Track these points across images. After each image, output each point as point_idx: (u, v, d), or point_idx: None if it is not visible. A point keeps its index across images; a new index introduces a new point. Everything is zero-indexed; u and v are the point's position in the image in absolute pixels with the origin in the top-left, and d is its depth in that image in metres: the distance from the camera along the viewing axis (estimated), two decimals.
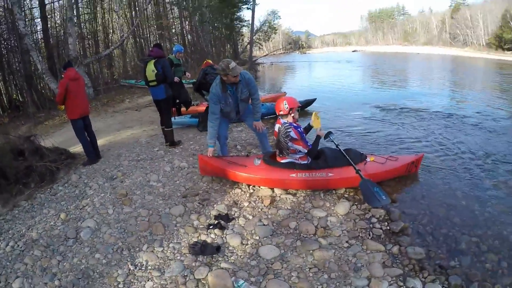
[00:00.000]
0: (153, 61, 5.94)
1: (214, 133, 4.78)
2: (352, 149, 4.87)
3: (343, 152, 4.55)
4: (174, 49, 8.52)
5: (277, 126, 4.52)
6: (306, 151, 4.42)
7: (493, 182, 4.93)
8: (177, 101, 8.05)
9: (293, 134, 4.29)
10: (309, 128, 4.77)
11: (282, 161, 4.54)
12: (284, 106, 4.36)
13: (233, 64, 4.45)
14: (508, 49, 48.91)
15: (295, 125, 4.37)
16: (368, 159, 4.70)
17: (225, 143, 5.34)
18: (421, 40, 79.15)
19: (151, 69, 5.94)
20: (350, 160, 4.41)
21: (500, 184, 4.86)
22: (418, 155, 5.08)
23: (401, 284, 2.89)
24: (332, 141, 4.81)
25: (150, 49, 6.50)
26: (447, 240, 3.61)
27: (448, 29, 70.29)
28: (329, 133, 4.93)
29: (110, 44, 20.36)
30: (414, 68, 27.88)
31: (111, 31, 22.31)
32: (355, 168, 4.33)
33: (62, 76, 5.75)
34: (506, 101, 11.68)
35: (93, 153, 6.08)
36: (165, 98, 6.16)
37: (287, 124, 4.35)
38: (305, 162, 4.46)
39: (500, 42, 51.60)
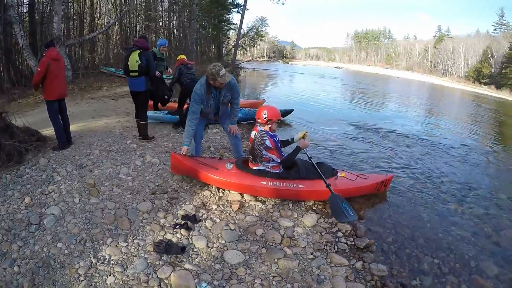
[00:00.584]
0: (138, 51, 5.85)
1: (192, 132, 4.75)
2: (325, 163, 4.98)
3: (315, 165, 4.59)
4: (158, 42, 8.40)
5: (253, 133, 4.53)
6: (279, 160, 4.44)
7: (459, 207, 5.14)
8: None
9: (268, 142, 4.31)
10: (290, 142, 4.83)
11: (255, 168, 4.54)
12: (263, 115, 4.37)
13: (223, 71, 4.45)
14: (485, 83, 51.15)
15: (271, 134, 4.39)
16: (339, 175, 4.79)
17: (200, 142, 5.32)
18: (402, 64, 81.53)
19: (134, 59, 5.84)
20: (321, 174, 4.46)
21: (465, 210, 5.07)
22: (388, 176, 5.22)
23: None
24: (305, 153, 4.83)
25: (136, 39, 6.39)
26: (410, 260, 3.73)
27: (430, 57, 72.85)
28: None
29: (95, 28, 19.88)
30: (393, 91, 28.60)
31: (98, 15, 21.82)
32: (325, 182, 4.38)
33: (43, 54, 5.53)
34: (479, 132, 12.19)
35: (64, 138, 5.83)
36: (144, 91, 6.07)
37: (263, 132, 4.36)
38: (277, 171, 4.49)
39: (478, 76, 54.00)
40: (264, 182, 4.40)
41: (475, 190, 5.89)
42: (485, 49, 55.70)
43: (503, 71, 48.71)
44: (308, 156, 4.75)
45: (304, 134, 4.77)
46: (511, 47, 47.91)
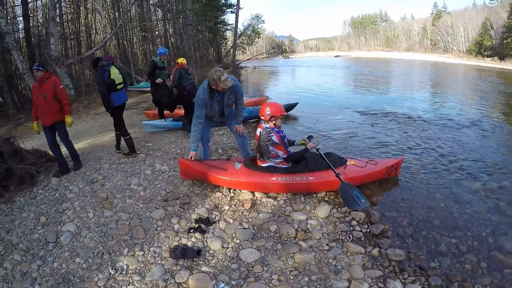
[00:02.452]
0: (113, 65, 5.87)
1: (198, 136, 4.79)
2: (332, 153, 4.96)
3: (323, 156, 4.58)
4: (158, 51, 8.46)
5: (258, 130, 4.54)
6: (285, 156, 4.44)
7: (472, 184, 5.08)
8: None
9: (274, 138, 4.31)
10: (291, 144, 4.85)
11: (263, 165, 4.56)
12: (266, 112, 4.38)
13: (225, 76, 4.45)
14: (488, 56, 50.42)
15: (277, 129, 4.39)
16: (348, 163, 4.77)
17: (207, 145, 5.34)
18: (402, 46, 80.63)
19: (117, 73, 5.84)
20: (329, 163, 4.45)
21: (479, 186, 5.01)
22: (398, 159, 5.17)
23: (382, 285, 2.96)
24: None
25: (104, 56, 6.29)
26: (427, 242, 3.70)
27: (430, 35, 71.92)
28: (310, 137, 4.98)
29: (92, 45, 20.06)
30: (396, 73, 28.30)
31: (94, 31, 22.01)
32: (334, 172, 4.38)
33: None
34: (485, 106, 12.01)
35: (64, 162, 5.59)
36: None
37: (269, 129, 4.37)
38: (285, 166, 4.49)
39: (480, 49, 53.17)
40: (274, 178, 4.42)
41: (486, 165, 5.83)
42: (484, 21, 54.76)
43: (504, 41, 47.80)
44: (315, 148, 4.76)
45: (317, 139, 4.77)
46: (510, 16, 47.08)
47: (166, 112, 8.34)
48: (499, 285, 3.08)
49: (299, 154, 4.52)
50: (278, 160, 4.48)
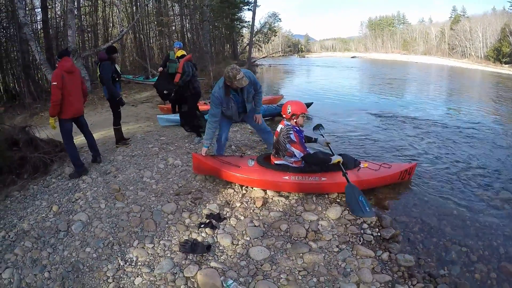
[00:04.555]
0: (99, 64, 6.06)
1: (212, 135, 4.82)
2: (347, 154, 4.91)
3: (330, 149, 4.68)
4: (174, 45, 8.45)
5: (279, 127, 4.54)
6: (302, 155, 4.41)
7: (485, 193, 4.98)
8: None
9: (293, 136, 4.32)
10: (313, 141, 4.91)
11: (276, 162, 4.55)
12: (287, 110, 4.40)
13: (240, 75, 4.45)
14: (506, 63, 49.39)
15: (297, 128, 4.40)
16: (361, 165, 4.73)
17: (224, 144, 5.36)
18: (420, 49, 79.58)
19: (97, 72, 6.13)
20: (341, 166, 4.42)
21: (492, 195, 4.91)
22: (412, 164, 5.12)
23: None
24: (321, 135, 4.96)
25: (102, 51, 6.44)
26: (437, 249, 3.65)
27: (447, 40, 70.77)
28: (319, 125, 4.99)
29: (109, 38, 20.28)
30: (412, 76, 28.00)
31: (111, 25, 22.25)
32: (342, 171, 4.36)
33: (56, 65, 5.00)
34: (503, 113, 11.79)
35: (81, 162, 5.29)
36: (108, 98, 6.27)
37: (289, 126, 4.37)
38: (299, 165, 4.48)
39: (498, 55, 52.07)
40: (287, 177, 4.40)
41: (501, 174, 5.71)
42: (503, 27, 53.67)
43: None
44: (322, 134, 4.80)
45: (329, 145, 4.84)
46: None
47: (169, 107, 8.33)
48: None
49: (318, 159, 4.47)
50: (293, 159, 4.46)
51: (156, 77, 15.32)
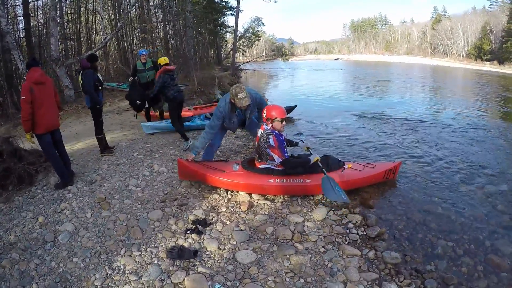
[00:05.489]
0: (81, 72, 5.98)
1: (204, 144, 4.87)
2: (330, 156, 4.98)
3: (311, 153, 4.72)
4: (138, 53, 8.35)
5: (259, 131, 4.53)
6: (280, 160, 4.41)
7: (469, 188, 5.11)
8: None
9: (271, 141, 4.31)
10: (294, 145, 4.95)
11: (260, 166, 4.58)
12: (263, 114, 4.42)
13: (242, 94, 4.49)
14: (487, 60, 50.60)
15: (276, 132, 4.35)
16: (346, 166, 4.79)
17: (215, 150, 5.43)
18: (402, 49, 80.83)
19: (79, 81, 6.05)
20: (320, 165, 4.50)
21: (476, 190, 5.05)
22: (396, 163, 5.20)
23: None
24: (301, 140, 5.03)
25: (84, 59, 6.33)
26: (423, 245, 3.72)
27: (429, 39, 72.13)
28: (300, 133, 5.26)
29: (93, 45, 20.10)
30: (395, 77, 28.41)
31: (95, 32, 22.05)
32: (319, 166, 4.45)
33: (24, 78, 4.75)
34: (484, 110, 12.10)
35: (66, 173, 5.09)
36: (89, 107, 6.18)
37: (268, 131, 4.35)
38: (283, 168, 4.50)
39: (480, 53, 53.39)
40: (271, 180, 4.42)
41: (485, 169, 5.87)
42: (483, 25, 55.00)
43: (504, 45, 48.04)
44: (310, 152, 4.80)
45: (309, 149, 4.87)
46: (509, 20, 47.23)
47: (165, 114, 8.28)
48: None
49: (297, 163, 4.51)
50: (275, 163, 4.47)
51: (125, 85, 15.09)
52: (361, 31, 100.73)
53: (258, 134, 4.55)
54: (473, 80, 26.56)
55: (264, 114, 4.39)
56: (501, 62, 47.08)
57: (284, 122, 4.39)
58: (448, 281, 3.14)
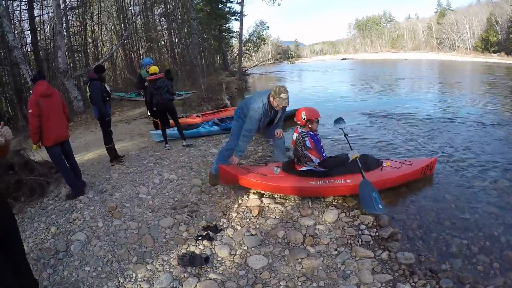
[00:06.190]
0: (88, 83, 6.08)
1: (245, 147, 4.92)
2: (369, 155, 5.05)
3: (346, 138, 5.00)
4: (143, 63, 8.41)
5: (294, 135, 4.67)
6: (318, 161, 4.48)
7: (482, 183, 5.01)
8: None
9: (308, 143, 4.42)
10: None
11: (301, 169, 4.62)
12: (302, 117, 4.50)
13: (285, 95, 4.58)
14: (494, 52, 50.00)
15: (312, 133, 4.48)
16: (384, 164, 4.82)
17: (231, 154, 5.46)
18: (408, 46, 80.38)
19: (87, 92, 6.15)
20: (359, 166, 4.50)
21: (489, 185, 4.94)
22: (432, 158, 5.21)
23: None
24: (341, 129, 5.22)
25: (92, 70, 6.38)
26: (437, 244, 3.65)
27: (435, 34, 71.58)
28: (340, 119, 5.38)
29: (100, 56, 20.33)
30: (402, 74, 28.16)
31: (101, 43, 22.32)
32: (358, 166, 4.45)
33: (31, 92, 4.80)
34: (495, 102, 11.90)
35: (77, 183, 5.17)
36: (97, 118, 6.28)
37: (304, 133, 4.47)
38: (323, 169, 4.54)
39: (486, 45, 52.83)
40: (313, 182, 4.47)
41: (497, 163, 5.75)
42: (489, 17, 54.40)
43: (511, 36, 47.54)
44: (343, 132, 5.14)
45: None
46: None
47: (171, 121, 8.30)
48: None
49: (336, 162, 4.58)
50: (314, 164, 4.54)
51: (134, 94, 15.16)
52: (366, 29, 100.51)
53: (294, 138, 4.68)
54: (481, 73, 26.20)
55: (303, 116, 4.49)
56: (508, 53, 46.44)
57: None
58: (463, 280, 3.07)
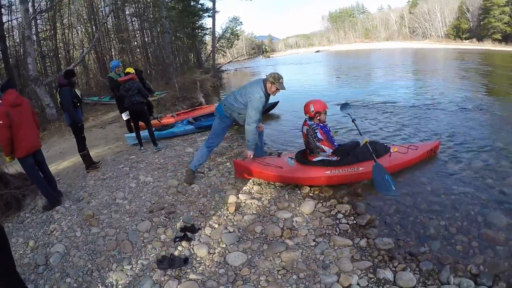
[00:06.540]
0: (59, 89, 5.90)
1: (256, 139, 4.88)
2: (377, 142, 5.23)
3: (355, 123, 5.28)
4: (111, 65, 8.24)
5: (304, 128, 4.82)
6: (331, 151, 4.64)
7: (457, 165, 5.16)
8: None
9: (319, 134, 4.56)
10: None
11: (315, 159, 4.79)
12: (310, 109, 4.68)
13: (282, 80, 4.72)
14: (466, 38, 51.46)
15: (321, 125, 4.63)
16: (391, 150, 5.02)
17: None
18: (381, 36, 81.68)
19: (57, 98, 6.00)
20: (371, 152, 4.67)
21: (464, 166, 5.08)
22: (436, 142, 5.56)
23: (372, 276, 2.98)
24: (348, 114, 5.40)
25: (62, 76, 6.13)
26: (415, 227, 3.72)
27: (408, 23, 73.02)
28: (346, 104, 5.54)
29: (71, 61, 19.88)
30: (376, 63, 28.57)
31: (73, 47, 21.82)
32: (369, 151, 4.63)
33: (0, 102, 4.55)
34: (468, 87, 12.31)
35: (53, 193, 5.02)
36: (69, 124, 6.10)
37: (314, 125, 4.66)
38: (335, 158, 4.68)
39: (458, 32, 54.29)
40: (328, 172, 4.63)
41: (471, 144, 5.93)
42: (460, 5, 55.88)
43: (481, 22, 48.98)
44: (351, 118, 5.34)
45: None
46: None
47: (141, 124, 8.05)
48: (492, 262, 3.09)
49: (348, 149, 4.78)
50: (327, 153, 4.69)
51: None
52: (340, 21, 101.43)
53: (304, 131, 4.82)
54: (453, 59, 26.84)
55: (312, 109, 4.67)
56: (479, 39, 47.89)
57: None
58: (443, 261, 3.14)
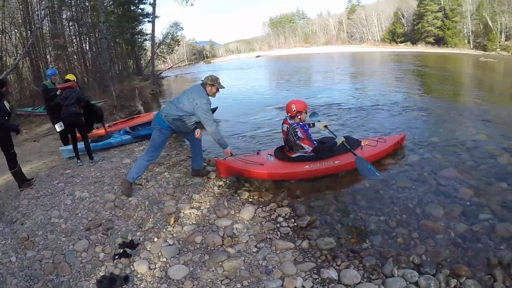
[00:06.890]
0: None
1: (222, 135, 4.99)
2: (350, 137, 5.52)
3: (329, 130, 5.52)
4: (47, 73, 7.79)
5: (285, 126, 5.10)
6: (311, 149, 4.84)
7: (394, 161, 5.47)
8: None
9: (299, 133, 4.75)
10: (311, 126, 5.32)
11: (293, 155, 5.09)
12: (292, 109, 4.90)
13: (220, 80, 4.85)
14: (401, 42, 55.45)
15: (301, 124, 4.81)
16: (362, 144, 5.32)
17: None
18: (321, 40, 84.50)
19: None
20: (349, 148, 5.01)
21: (401, 162, 5.42)
22: (401, 135, 6.09)
23: (316, 276, 3.04)
24: (318, 121, 5.61)
25: None
26: (355, 224, 3.87)
27: (346, 28, 76.38)
28: (314, 113, 5.84)
29: (4, 69, 18.49)
30: (315, 67, 29.49)
31: (6, 53, 20.29)
32: (348, 148, 4.92)
33: None
34: (403, 86, 13.28)
35: None
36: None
37: (294, 124, 4.90)
38: (312, 154, 4.90)
39: (394, 36, 58.19)
40: (307, 166, 4.97)
41: (406, 140, 6.25)
42: (396, 11, 59.71)
43: (415, 27, 52.83)
44: (329, 130, 5.54)
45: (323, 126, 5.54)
46: (419, 4, 51.96)
47: (78, 135, 7.54)
48: (434, 251, 3.28)
49: (326, 148, 5.11)
50: (305, 150, 4.99)
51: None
52: (280, 26, 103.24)
53: (284, 129, 5.11)
54: (390, 61, 28.36)
55: (294, 108, 4.89)
56: (413, 42, 51.68)
57: None
58: (386, 255, 3.28)
